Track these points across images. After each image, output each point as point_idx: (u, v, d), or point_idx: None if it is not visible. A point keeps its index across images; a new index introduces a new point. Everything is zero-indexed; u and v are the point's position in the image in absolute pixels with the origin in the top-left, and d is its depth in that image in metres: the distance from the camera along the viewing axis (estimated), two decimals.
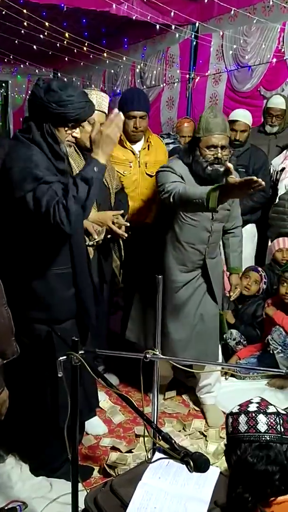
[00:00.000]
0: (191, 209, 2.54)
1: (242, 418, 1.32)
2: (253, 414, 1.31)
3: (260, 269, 3.80)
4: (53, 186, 1.98)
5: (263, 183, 2.02)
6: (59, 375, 1.82)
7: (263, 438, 1.26)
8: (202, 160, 2.62)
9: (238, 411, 1.36)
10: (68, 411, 1.91)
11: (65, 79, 9.52)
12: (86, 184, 1.97)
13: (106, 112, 2.73)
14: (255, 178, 2.01)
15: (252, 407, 1.34)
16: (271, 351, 3.39)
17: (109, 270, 2.99)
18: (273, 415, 1.30)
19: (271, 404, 1.38)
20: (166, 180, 2.58)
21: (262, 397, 1.44)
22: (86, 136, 2.61)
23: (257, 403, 1.37)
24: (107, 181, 2.88)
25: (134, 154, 3.26)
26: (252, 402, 1.38)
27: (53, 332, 2.22)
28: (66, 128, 2.11)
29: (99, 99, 2.69)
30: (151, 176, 3.29)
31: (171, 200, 2.45)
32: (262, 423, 1.28)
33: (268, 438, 1.27)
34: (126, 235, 2.70)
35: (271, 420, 1.29)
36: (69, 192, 1.96)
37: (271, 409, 1.33)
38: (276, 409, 1.34)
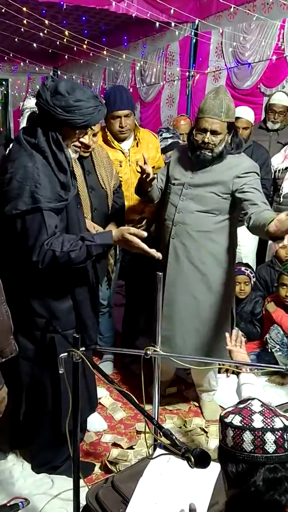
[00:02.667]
0: None
1: (247, 436, 1.17)
2: (260, 433, 1.17)
3: (244, 269, 3.74)
4: (47, 220, 1.93)
5: None
6: (60, 372, 1.83)
7: (271, 461, 1.15)
8: (193, 142, 2.56)
9: (241, 425, 1.19)
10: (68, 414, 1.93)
11: (65, 77, 9.53)
12: (88, 256, 1.98)
13: None
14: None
15: (258, 422, 1.18)
16: (269, 350, 3.40)
17: (104, 270, 2.99)
18: (280, 431, 1.18)
19: (274, 412, 1.24)
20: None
21: (260, 400, 1.30)
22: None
23: (260, 413, 1.21)
24: (104, 182, 2.83)
25: (123, 153, 3.20)
26: (254, 412, 1.21)
27: (55, 338, 2.17)
28: (73, 135, 2.03)
29: None
30: None
31: None
32: (270, 442, 1.16)
33: (276, 460, 1.16)
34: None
35: (279, 438, 1.17)
36: (68, 249, 1.94)
37: (277, 423, 1.19)
38: (282, 421, 1.20)
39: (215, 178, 2.58)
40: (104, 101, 2.86)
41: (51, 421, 2.33)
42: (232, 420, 1.21)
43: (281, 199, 3.92)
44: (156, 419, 2.22)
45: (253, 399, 1.29)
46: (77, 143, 2.08)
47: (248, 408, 1.23)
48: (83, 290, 2.25)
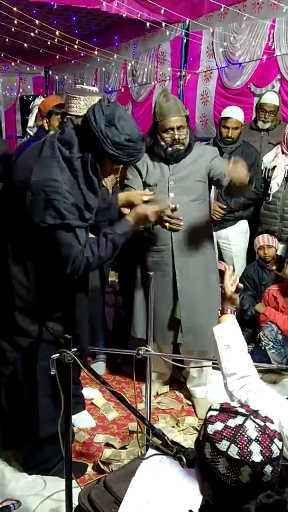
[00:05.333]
0: None
1: (245, 470, 1.09)
2: (260, 467, 1.08)
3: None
4: (78, 234, 1.96)
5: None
6: (52, 373, 1.83)
7: (266, 489, 1.11)
8: (162, 143, 2.73)
9: (239, 458, 1.09)
10: (48, 421, 1.92)
11: (56, 78, 9.50)
12: (114, 249, 2.04)
13: None
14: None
15: (257, 455, 1.09)
16: (263, 347, 3.42)
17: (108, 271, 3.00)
18: (277, 460, 1.11)
19: (269, 434, 1.13)
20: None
21: (251, 417, 1.16)
22: None
23: (257, 441, 1.10)
24: (105, 181, 2.85)
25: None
26: (251, 441, 1.10)
27: (40, 343, 2.17)
28: (110, 166, 2.03)
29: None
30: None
31: None
32: (268, 474, 1.09)
33: (270, 486, 1.11)
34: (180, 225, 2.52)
35: (275, 467, 1.11)
36: (97, 251, 1.98)
37: (274, 451, 1.11)
38: (277, 446, 1.12)
39: (193, 167, 2.78)
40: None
41: (31, 432, 2.32)
42: (227, 450, 1.10)
43: (270, 198, 3.94)
44: (148, 419, 2.23)
45: (244, 415, 1.15)
46: (112, 173, 2.17)
47: (243, 435, 1.11)
48: (84, 308, 2.27)
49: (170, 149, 2.72)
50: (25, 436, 2.41)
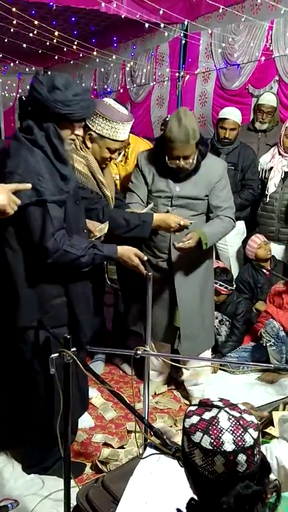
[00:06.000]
0: None
1: (219, 460, 1.10)
2: (232, 456, 1.10)
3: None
4: (51, 212, 1.98)
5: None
6: (51, 372, 1.84)
7: (243, 479, 1.12)
8: (168, 162, 2.69)
9: (211, 448, 1.11)
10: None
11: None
12: (91, 264, 2.09)
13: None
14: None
15: (229, 444, 1.11)
16: (264, 344, 3.42)
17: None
18: (250, 449, 1.12)
19: (242, 425, 1.14)
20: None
21: (225, 407, 1.18)
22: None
23: (230, 431, 1.12)
24: (110, 189, 2.81)
25: (116, 166, 3.23)
26: (223, 431, 1.12)
27: (50, 337, 2.16)
28: (70, 128, 2.07)
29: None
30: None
31: None
32: (242, 463, 1.11)
33: (247, 476, 1.12)
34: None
35: (250, 456, 1.12)
36: (80, 252, 2.03)
37: (247, 441, 1.12)
38: (251, 436, 1.13)
39: (199, 186, 2.76)
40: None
41: (43, 422, 2.32)
42: (200, 441, 1.13)
43: (267, 199, 3.95)
44: (146, 418, 2.23)
45: (218, 408, 1.17)
46: (72, 136, 2.11)
47: (216, 426, 1.13)
48: (79, 286, 2.25)
49: (175, 170, 2.70)
50: (25, 435, 2.42)
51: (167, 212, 2.75)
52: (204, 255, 2.89)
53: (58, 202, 2.02)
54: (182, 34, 6.20)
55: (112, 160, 2.66)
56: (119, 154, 2.93)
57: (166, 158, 2.67)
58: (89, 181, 2.55)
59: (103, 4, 5.43)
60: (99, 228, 2.46)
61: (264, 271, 3.89)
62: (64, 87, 1.97)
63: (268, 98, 4.29)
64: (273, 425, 2.53)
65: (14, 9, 5.47)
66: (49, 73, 9.97)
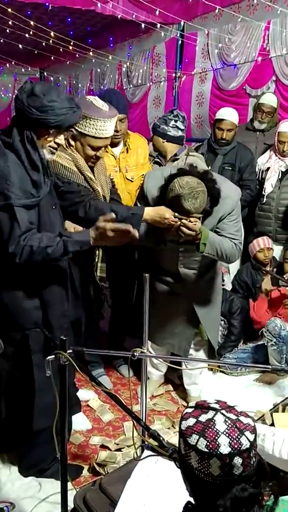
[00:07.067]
0: None
1: (215, 462, 1.10)
2: (228, 459, 1.10)
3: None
4: (18, 214, 1.98)
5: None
6: (47, 375, 1.82)
7: (239, 482, 1.12)
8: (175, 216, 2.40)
9: (207, 450, 1.11)
10: (42, 413, 1.89)
11: (51, 79, 9.51)
12: (64, 252, 2.03)
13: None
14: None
15: (225, 447, 1.10)
16: (265, 343, 3.40)
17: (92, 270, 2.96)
18: (246, 452, 1.11)
19: (239, 427, 1.14)
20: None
21: (222, 410, 1.18)
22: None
23: (226, 434, 1.12)
24: (103, 188, 2.76)
25: (115, 158, 3.17)
26: (219, 434, 1.12)
27: (29, 335, 2.19)
28: (47, 135, 2.07)
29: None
30: (131, 180, 3.22)
31: None
32: (238, 466, 1.10)
33: (244, 479, 1.12)
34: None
35: (246, 459, 1.12)
36: (45, 244, 2.00)
37: (244, 444, 1.11)
38: (247, 439, 1.13)
39: (208, 225, 2.55)
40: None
41: (25, 425, 2.31)
42: (196, 443, 1.12)
43: (265, 199, 3.95)
44: (144, 420, 2.22)
45: (215, 410, 1.17)
46: (52, 144, 2.11)
47: (213, 428, 1.13)
48: (53, 289, 2.25)
49: None
50: (20, 436, 2.41)
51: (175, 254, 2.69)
52: (212, 265, 2.85)
53: (26, 206, 2.04)
54: (178, 35, 6.19)
55: (98, 158, 2.62)
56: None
57: (178, 216, 2.37)
58: (76, 176, 2.54)
59: (99, 5, 5.42)
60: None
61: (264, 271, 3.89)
62: (42, 93, 1.98)
63: (270, 98, 4.29)
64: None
65: (9, 10, 5.45)
66: (45, 74, 9.95)
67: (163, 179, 2.46)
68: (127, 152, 3.21)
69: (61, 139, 2.13)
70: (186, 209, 2.32)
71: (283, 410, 2.62)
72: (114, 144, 3.15)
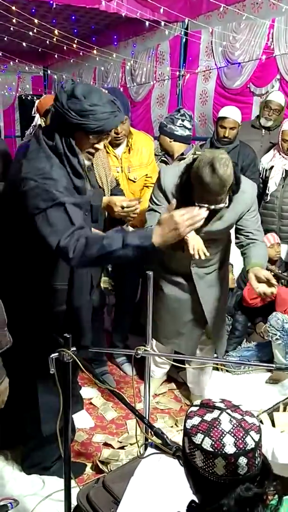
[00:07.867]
0: None
1: (220, 462, 1.10)
2: (233, 459, 1.10)
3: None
4: (69, 210, 1.86)
5: None
6: (51, 372, 1.82)
7: (243, 482, 1.11)
8: (195, 203, 2.32)
9: (212, 450, 1.11)
10: (49, 417, 1.88)
11: (55, 77, 9.51)
12: (122, 246, 1.77)
13: None
14: None
15: (230, 447, 1.10)
16: (269, 339, 3.38)
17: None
18: (252, 452, 1.11)
19: (244, 427, 1.14)
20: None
21: (227, 410, 1.18)
22: None
23: (231, 434, 1.12)
24: (102, 181, 2.77)
25: (117, 159, 3.15)
26: (225, 433, 1.12)
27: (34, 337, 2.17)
28: (87, 140, 1.96)
29: None
30: (134, 181, 3.20)
31: None
32: (243, 466, 1.10)
33: (248, 479, 1.12)
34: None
35: (251, 459, 1.11)
36: (101, 235, 1.87)
37: (249, 444, 1.11)
38: (252, 439, 1.12)
39: (227, 220, 2.54)
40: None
41: (34, 430, 2.31)
42: (201, 443, 1.13)
43: (268, 197, 3.95)
44: (147, 418, 2.22)
45: (220, 409, 1.17)
46: (91, 150, 2.01)
47: (218, 428, 1.13)
48: (81, 295, 2.22)
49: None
50: (25, 434, 2.41)
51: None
52: (224, 261, 2.84)
53: (75, 204, 1.94)
54: (182, 33, 6.17)
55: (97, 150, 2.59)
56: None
57: (195, 199, 2.33)
58: None
59: (103, 3, 5.42)
60: None
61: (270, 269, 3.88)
62: (83, 96, 1.87)
63: (277, 96, 4.29)
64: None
65: (14, 8, 5.45)
66: (49, 72, 9.92)
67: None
68: (130, 152, 3.19)
69: (100, 144, 2.02)
70: (218, 175, 2.17)
71: (284, 410, 2.62)
72: (116, 145, 3.14)
